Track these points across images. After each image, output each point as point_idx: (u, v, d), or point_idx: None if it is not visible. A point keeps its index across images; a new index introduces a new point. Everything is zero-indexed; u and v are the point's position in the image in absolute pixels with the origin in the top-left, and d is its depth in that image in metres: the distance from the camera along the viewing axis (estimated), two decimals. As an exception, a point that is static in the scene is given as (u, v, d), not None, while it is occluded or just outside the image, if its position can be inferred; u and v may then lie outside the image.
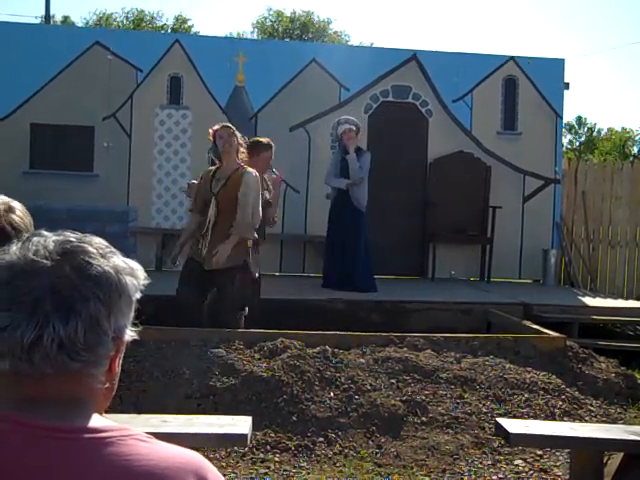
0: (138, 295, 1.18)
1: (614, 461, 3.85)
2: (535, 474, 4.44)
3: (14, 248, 1.13)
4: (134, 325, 1.19)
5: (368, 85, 10.57)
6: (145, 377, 5.12)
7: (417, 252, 10.67)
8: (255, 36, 41.96)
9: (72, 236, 1.16)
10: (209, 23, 67.12)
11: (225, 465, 4.33)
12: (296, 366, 5.28)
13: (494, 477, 4.39)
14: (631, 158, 38.17)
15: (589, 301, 9.00)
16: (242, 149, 6.11)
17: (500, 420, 3.85)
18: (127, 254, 1.21)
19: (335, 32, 43.59)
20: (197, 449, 1.18)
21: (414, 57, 10.68)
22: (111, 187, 10.09)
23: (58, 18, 38.32)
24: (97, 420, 1.11)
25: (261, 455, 4.49)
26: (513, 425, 3.67)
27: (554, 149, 10.99)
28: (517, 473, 4.45)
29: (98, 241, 1.18)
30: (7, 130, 9.99)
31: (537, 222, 10.80)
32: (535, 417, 5.07)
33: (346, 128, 8.67)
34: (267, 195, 6.66)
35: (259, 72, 10.29)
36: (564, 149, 18.84)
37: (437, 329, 6.88)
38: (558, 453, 4.67)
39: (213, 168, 6.23)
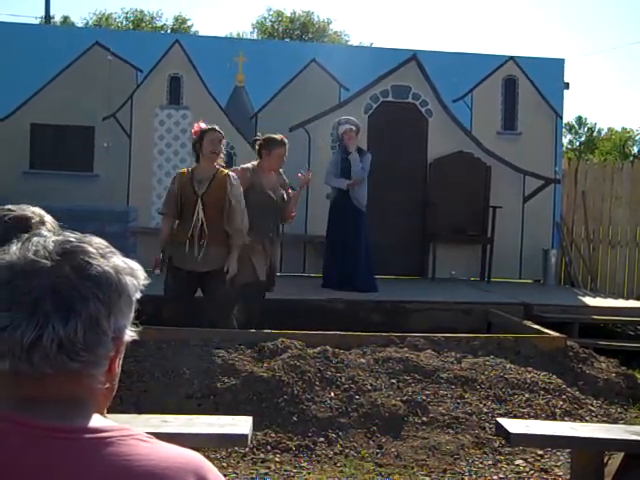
0: (138, 295, 1.18)
1: (615, 461, 3.85)
2: (536, 474, 4.44)
3: (14, 248, 1.13)
4: (134, 325, 1.19)
5: (368, 85, 10.57)
6: (145, 377, 5.12)
7: (417, 252, 10.67)
8: (255, 36, 41.95)
9: (72, 236, 1.16)
10: (209, 23, 67.19)
11: (226, 465, 4.33)
12: (296, 366, 5.28)
13: (495, 477, 4.38)
14: (631, 158, 38.18)
15: (589, 301, 8.99)
16: (222, 156, 6.11)
17: (501, 420, 3.85)
18: (127, 254, 1.21)
19: (335, 32, 43.59)
20: (198, 449, 1.18)
21: (414, 57, 10.68)
22: (111, 187, 10.09)
23: (58, 18, 38.32)
24: (97, 420, 1.11)
25: (262, 455, 4.49)
26: (514, 425, 3.67)
27: (554, 149, 10.99)
28: (518, 473, 4.45)
29: (98, 241, 1.17)
30: (7, 130, 9.99)
31: (537, 222, 10.80)
32: (536, 417, 5.07)
33: (347, 128, 8.67)
34: (282, 192, 6.65)
35: (259, 72, 10.29)
36: (564, 149, 18.85)
37: (437, 329, 6.88)
38: (559, 453, 4.67)
39: (185, 170, 6.15)
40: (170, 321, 5.85)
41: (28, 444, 1.05)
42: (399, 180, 10.44)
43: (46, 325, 1.06)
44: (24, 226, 2.11)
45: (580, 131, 52.12)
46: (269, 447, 4.57)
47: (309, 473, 4.33)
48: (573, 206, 11.17)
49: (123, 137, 10.22)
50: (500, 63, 10.91)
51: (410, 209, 10.57)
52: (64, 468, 1.04)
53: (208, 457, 4.19)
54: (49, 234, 1.16)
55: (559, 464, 4.54)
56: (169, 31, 39.78)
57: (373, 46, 28.57)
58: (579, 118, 51.54)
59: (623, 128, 50.09)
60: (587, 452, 3.70)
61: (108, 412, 1.21)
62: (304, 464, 4.44)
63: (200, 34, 35.90)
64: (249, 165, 6.58)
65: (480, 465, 4.52)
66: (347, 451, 4.62)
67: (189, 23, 43.86)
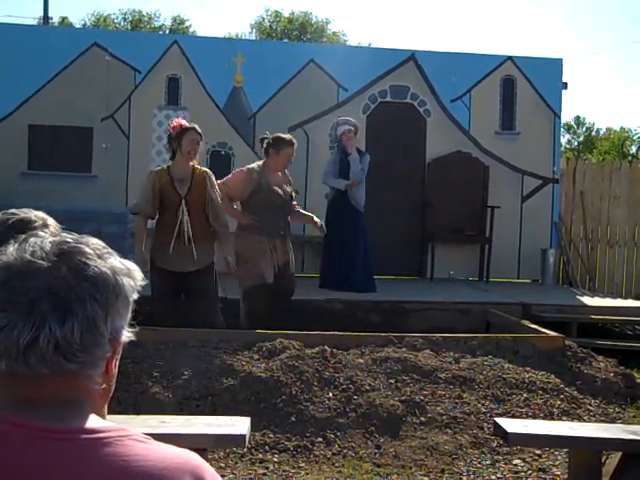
0: (135, 296, 1.18)
1: (612, 461, 3.85)
2: (534, 474, 4.44)
3: (11, 249, 1.13)
4: (131, 326, 1.19)
5: (366, 85, 10.57)
6: (143, 378, 5.12)
7: (416, 252, 10.67)
8: (253, 37, 41.95)
9: (69, 237, 1.16)
10: (207, 24, 67.15)
11: (224, 466, 4.33)
12: (295, 366, 5.28)
13: (493, 477, 4.39)
14: (629, 158, 38.21)
15: (588, 301, 9.00)
16: (197, 157, 6.13)
17: (499, 420, 3.86)
18: (125, 255, 1.21)
19: (334, 32, 43.59)
20: (196, 450, 1.18)
21: (412, 57, 10.69)
22: (109, 188, 10.08)
23: (56, 19, 38.28)
24: (94, 421, 1.11)
25: (260, 456, 4.49)
26: (511, 425, 3.67)
27: (552, 149, 10.99)
28: (516, 473, 4.45)
29: (95, 242, 1.18)
30: (5, 131, 9.98)
31: (536, 222, 10.81)
32: (534, 417, 5.07)
33: (345, 129, 8.68)
34: (289, 189, 6.65)
35: (257, 73, 10.28)
36: (562, 149, 18.85)
37: (436, 329, 6.88)
38: (557, 453, 4.67)
39: (159, 170, 6.12)
40: (160, 322, 5.82)
41: (25, 445, 1.05)
42: (397, 180, 10.44)
43: (43, 326, 1.06)
44: (28, 230, 2.12)
45: (578, 131, 52.12)
46: (267, 447, 4.58)
47: (307, 473, 4.33)
48: (571, 206, 11.18)
49: (121, 138, 10.22)
50: (498, 63, 10.91)
51: (408, 209, 10.57)
52: (61, 469, 1.04)
53: (206, 458, 4.19)
54: (46, 235, 1.17)
55: (557, 464, 4.54)
56: (167, 32, 39.77)
57: (371, 46, 28.58)
58: (577, 118, 51.55)
59: (621, 128, 50.10)
60: (585, 452, 3.70)
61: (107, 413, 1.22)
62: (302, 464, 4.44)
63: (198, 35, 35.90)
64: (254, 166, 6.57)
65: (478, 465, 4.52)
66: (345, 451, 4.63)
67: (187, 24, 43.87)
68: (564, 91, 11.13)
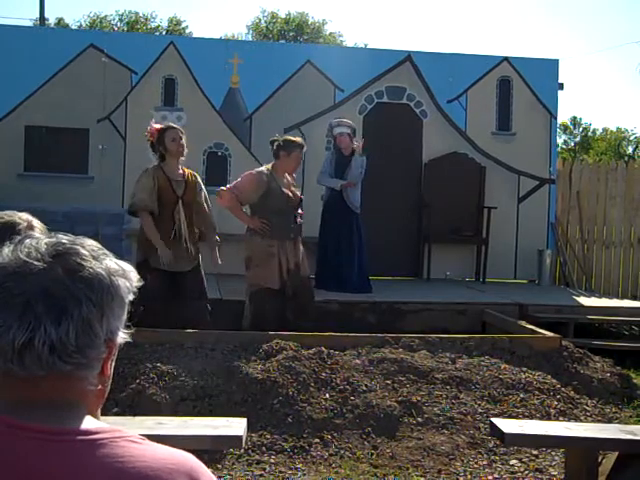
0: (131, 297, 1.18)
1: (609, 460, 3.86)
2: (530, 474, 4.45)
3: (6, 250, 1.13)
4: (127, 327, 1.19)
5: (363, 86, 10.58)
6: (140, 379, 5.11)
7: (412, 253, 10.67)
8: (250, 38, 41.92)
9: (64, 238, 1.16)
10: (203, 25, 66.99)
11: (220, 467, 4.33)
12: (291, 367, 5.28)
13: (490, 477, 4.39)
14: (626, 158, 38.25)
15: (584, 301, 9.01)
16: (185, 151, 6.14)
17: (495, 420, 3.86)
18: (121, 257, 1.21)
19: (330, 33, 43.57)
20: (192, 451, 1.18)
21: (408, 58, 10.70)
22: (106, 189, 10.07)
23: (52, 21, 38.25)
24: (89, 422, 1.11)
25: (256, 457, 4.49)
26: (508, 425, 3.67)
27: (548, 149, 11.01)
28: (512, 473, 4.45)
29: (90, 243, 1.18)
30: (2, 132, 9.97)
31: (532, 222, 10.82)
32: (530, 417, 5.07)
33: (338, 133, 8.71)
34: (297, 192, 6.65)
35: (254, 73, 10.29)
36: (559, 149, 18.88)
37: (432, 330, 6.89)
38: (553, 453, 4.67)
39: (155, 167, 6.08)
40: (154, 323, 5.81)
41: (20, 446, 1.05)
42: (394, 181, 10.44)
43: (38, 327, 1.06)
44: (12, 233, 2.11)
45: (575, 131, 52.17)
46: (264, 448, 4.57)
47: (304, 474, 4.33)
48: (568, 206, 11.20)
49: (118, 139, 10.22)
50: (494, 64, 10.93)
51: (405, 210, 10.58)
52: (56, 470, 1.04)
53: (202, 459, 4.19)
54: (42, 236, 1.17)
55: (554, 464, 4.55)
56: (163, 33, 39.73)
57: (368, 47, 28.63)
58: (574, 118, 51.56)
59: (618, 128, 50.14)
60: (581, 452, 3.71)
61: (103, 414, 1.22)
62: (299, 465, 4.44)
63: (195, 36, 35.89)
64: (263, 169, 6.54)
65: (475, 465, 4.53)
66: (342, 452, 4.63)
67: (183, 25, 43.79)
68: (560, 92, 11.16)
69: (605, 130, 51.07)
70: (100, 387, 1.17)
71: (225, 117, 10.33)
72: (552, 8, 72.36)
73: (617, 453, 3.80)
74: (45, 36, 11.29)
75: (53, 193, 9.69)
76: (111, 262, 1.17)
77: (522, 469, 4.50)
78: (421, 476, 4.36)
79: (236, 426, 3.39)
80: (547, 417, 5.13)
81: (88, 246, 1.16)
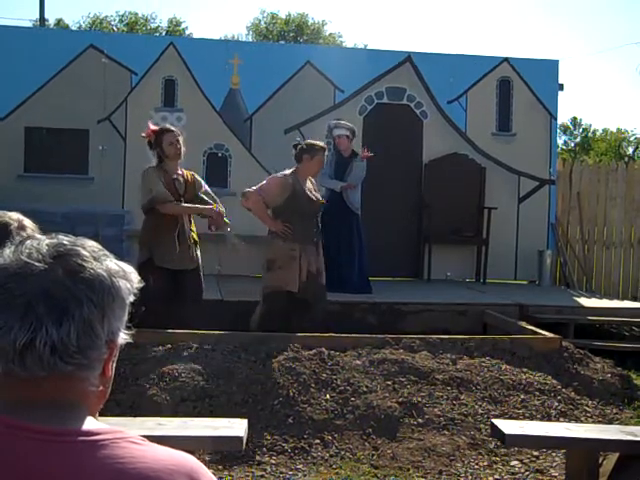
0: (131, 298, 1.18)
1: (609, 461, 3.86)
2: (531, 475, 4.45)
3: (7, 251, 1.13)
4: (128, 328, 1.19)
5: (363, 87, 10.57)
6: (141, 380, 5.11)
7: (413, 253, 10.67)
8: (250, 39, 41.93)
9: (65, 239, 1.16)
10: (203, 26, 67.00)
11: (221, 468, 4.33)
12: (292, 368, 5.28)
13: (490, 478, 4.39)
14: (626, 159, 38.25)
15: (585, 302, 9.01)
16: (183, 151, 6.16)
17: (496, 421, 3.86)
18: (122, 258, 1.21)
19: (330, 34, 43.60)
20: (193, 452, 1.18)
21: (408, 59, 10.69)
22: (106, 190, 10.07)
23: (51, 22, 38.26)
24: (90, 423, 1.11)
25: (257, 457, 4.48)
26: (509, 426, 3.67)
27: (549, 150, 11.01)
28: (513, 474, 4.45)
29: (91, 244, 1.18)
30: (2, 133, 9.97)
31: (532, 223, 10.82)
32: (531, 418, 5.07)
33: (337, 134, 8.72)
34: (318, 195, 6.66)
35: (254, 74, 10.28)
36: (559, 150, 18.89)
37: (433, 330, 6.88)
38: (554, 454, 4.67)
39: (155, 167, 6.10)
40: (157, 323, 5.80)
41: (19, 446, 1.05)
42: (394, 182, 10.44)
43: (39, 328, 1.06)
44: (3, 233, 2.09)
45: (575, 132, 52.17)
46: (264, 449, 4.57)
47: (305, 475, 4.33)
48: (568, 207, 11.20)
49: (118, 140, 10.21)
50: (494, 64, 10.93)
51: (405, 210, 10.57)
52: (56, 470, 1.04)
53: (203, 460, 4.19)
54: (43, 237, 1.17)
55: (554, 465, 4.55)
56: (163, 33, 39.75)
57: (368, 48, 28.64)
58: (574, 119, 51.58)
59: (618, 129, 50.13)
60: (582, 453, 3.71)
61: (104, 415, 1.21)
62: (300, 466, 4.44)
63: (194, 37, 35.90)
64: (286, 172, 6.53)
65: (476, 466, 4.52)
66: (343, 453, 4.62)
67: (183, 25, 43.82)
68: (560, 92, 11.16)
69: (605, 131, 51.06)
70: (101, 388, 1.17)
71: (225, 118, 10.33)
72: (552, 9, 72.43)
73: (618, 454, 3.80)
74: (45, 37, 11.30)
75: (53, 194, 9.69)
76: (112, 263, 1.17)
77: (523, 470, 4.50)
78: (422, 477, 4.36)
79: (237, 427, 3.39)
80: (548, 418, 5.13)
81: (89, 247, 1.16)
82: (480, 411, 5.13)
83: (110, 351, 1.15)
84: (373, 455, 4.61)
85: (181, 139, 6.07)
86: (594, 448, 3.69)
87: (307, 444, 4.66)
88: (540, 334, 6.54)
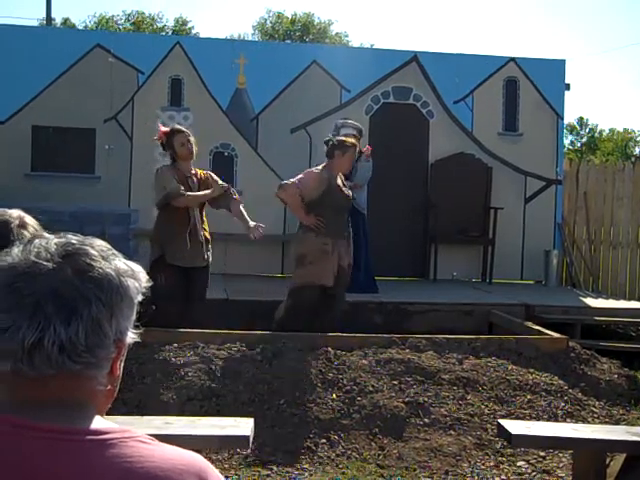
0: (140, 297, 1.18)
1: (616, 462, 3.85)
2: (538, 475, 4.43)
3: (16, 250, 1.13)
4: (136, 327, 1.19)
5: (369, 86, 10.57)
6: (148, 379, 5.12)
7: (419, 253, 10.66)
8: (256, 38, 41.95)
9: (74, 238, 1.16)
10: (209, 25, 67.13)
11: (227, 467, 4.33)
12: (298, 368, 5.28)
13: (497, 479, 4.38)
14: (633, 159, 38.16)
15: (591, 302, 8.99)
16: (194, 151, 6.18)
17: (502, 421, 3.85)
18: (129, 256, 1.21)
19: (336, 34, 43.59)
20: (199, 451, 1.18)
21: (415, 58, 10.69)
22: (112, 189, 10.09)
23: (58, 21, 38.33)
24: (98, 422, 1.11)
25: (263, 457, 4.48)
26: (515, 426, 3.67)
27: (555, 150, 10.99)
28: (520, 474, 4.44)
29: (100, 243, 1.18)
30: (9, 132, 10.00)
31: (539, 223, 10.80)
32: (538, 418, 5.06)
33: (344, 134, 8.71)
34: (349, 191, 6.67)
35: (260, 74, 10.29)
36: (565, 150, 18.85)
37: (439, 330, 6.87)
38: (561, 454, 4.66)
39: (169, 165, 6.18)
40: (169, 321, 5.82)
41: (26, 446, 1.05)
42: (400, 181, 10.43)
43: (47, 327, 1.06)
44: (4, 231, 2.07)
45: (581, 132, 52.08)
46: (271, 449, 4.57)
47: (311, 475, 4.33)
48: (574, 207, 11.17)
49: (124, 139, 10.23)
50: (501, 64, 10.91)
51: (411, 210, 10.57)
52: (64, 470, 1.04)
53: (210, 459, 4.19)
54: (51, 236, 1.17)
55: (561, 465, 4.54)
56: (170, 33, 39.81)
57: (374, 47, 28.60)
58: (580, 119, 51.50)
59: (625, 129, 50.07)
60: (589, 453, 3.69)
61: (111, 414, 1.21)
62: (306, 465, 4.44)
63: (201, 36, 35.92)
64: (320, 167, 6.55)
65: (482, 466, 4.52)
66: (349, 453, 4.62)
67: (190, 25, 43.89)
68: (567, 92, 11.13)
69: (612, 131, 50.98)
70: (109, 387, 1.17)
71: (231, 117, 10.34)
72: (556, 9, 72.24)
73: (625, 455, 3.79)
74: (52, 36, 11.32)
75: (60, 193, 9.70)
76: (120, 263, 1.17)
77: (529, 470, 4.49)
78: (428, 477, 4.36)
79: (243, 426, 3.39)
80: (554, 418, 5.11)
81: (97, 246, 1.16)
82: (486, 411, 5.12)
83: (118, 350, 1.15)
84: (379, 455, 4.60)
85: (192, 139, 6.10)
86: (601, 449, 3.68)
87: (313, 444, 4.66)
88: (546, 334, 6.53)
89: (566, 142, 42.14)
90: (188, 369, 5.21)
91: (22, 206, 2.32)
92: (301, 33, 42.55)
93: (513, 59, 10.97)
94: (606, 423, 5.13)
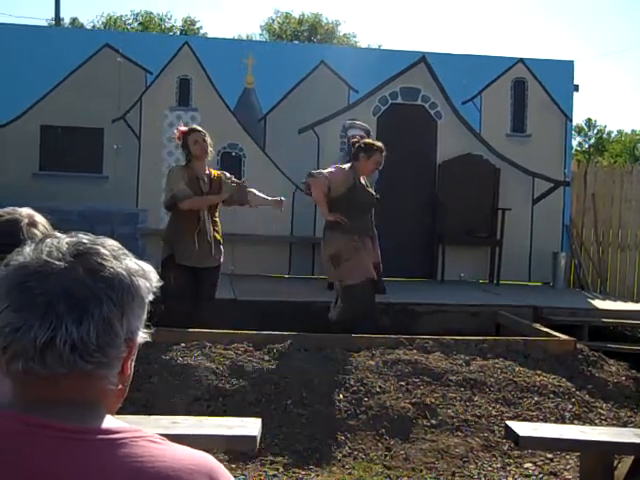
0: (151, 297, 1.18)
1: (624, 465, 3.83)
2: (545, 477, 4.42)
3: (28, 250, 1.14)
4: (146, 327, 1.19)
5: (377, 87, 10.57)
6: (155, 378, 5.12)
7: (426, 254, 10.65)
8: (263, 38, 41.96)
9: (85, 238, 1.16)
10: (217, 25, 67.17)
11: (235, 467, 4.33)
12: (305, 368, 5.28)
13: (504, 480, 4.37)
14: (641, 160, 38.03)
15: (599, 304, 8.97)
16: (210, 151, 6.21)
17: (510, 423, 3.84)
18: (139, 256, 1.21)
19: (344, 34, 43.56)
20: (207, 451, 1.18)
21: (423, 59, 10.68)
22: (120, 189, 10.11)
23: (67, 21, 38.41)
24: (109, 421, 1.12)
25: (270, 457, 4.48)
26: (523, 428, 3.66)
27: (563, 151, 10.97)
28: (527, 476, 4.43)
29: (111, 243, 1.18)
30: (17, 132, 10.03)
31: (546, 224, 10.78)
32: (545, 420, 5.05)
33: (351, 135, 8.71)
34: (373, 192, 6.68)
35: (268, 74, 10.30)
36: (573, 151, 18.81)
37: (446, 331, 6.87)
38: (568, 456, 4.64)
39: (181, 166, 6.25)
40: (178, 321, 5.83)
41: (39, 445, 1.05)
42: (408, 182, 10.43)
43: (59, 326, 1.06)
44: (14, 230, 2.07)
45: (590, 133, 51.93)
46: (278, 449, 4.57)
47: (317, 475, 4.33)
48: (582, 208, 11.15)
49: (132, 139, 10.25)
50: (509, 65, 10.90)
51: (419, 211, 10.56)
52: (76, 469, 1.04)
53: (217, 459, 4.18)
54: (63, 235, 1.17)
55: (568, 468, 4.52)
56: (178, 33, 39.85)
57: (382, 48, 28.60)
58: (588, 120, 51.35)
59: (633, 130, 49.91)
60: (596, 456, 3.68)
61: (119, 413, 1.22)
62: (312, 466, 4.43)
63: (209, 36, 35.96)
64: (346, 166, 6.56)
65: (489, 468, 4.51)
66: (355, 453, 4.62)
67: (198, 25, 43.91)
68: (575, 93, 11.11)
69: (620, 132, 50.83)
70: (120, 386, 1.17)
71: (240, 117, 10.35)
72: (567, 10, 72.09)
73: (633, 457, 3.78)
74: (61, 36, 11.36)
75: (68, 192, 9.74)
76: (131, 262, 1.17)
77: (537, 472, 4.48)
78: (435, 478, 4.35)
79: (251, 426, 3.39)
80: (562, 420, 5.10)
81: (109, 246, 1.16)
82: (494, 413, 5.11)
83: (129, 350, 1.16)
84: (386, 456, 4.60)
85: (208, 139, 6.11)
86: (609, 451, 3.66)
87: (320, 444, 4.66)
88: (554, 336, 6.51)
89: (574, 143, 42.05)
90: (195, 369, 5.22)
91: (30, 205, 2.32)
92: (309, 34, 42.52)
93: (521, 60, 10.95)
94: (614, 425, 5.11)
